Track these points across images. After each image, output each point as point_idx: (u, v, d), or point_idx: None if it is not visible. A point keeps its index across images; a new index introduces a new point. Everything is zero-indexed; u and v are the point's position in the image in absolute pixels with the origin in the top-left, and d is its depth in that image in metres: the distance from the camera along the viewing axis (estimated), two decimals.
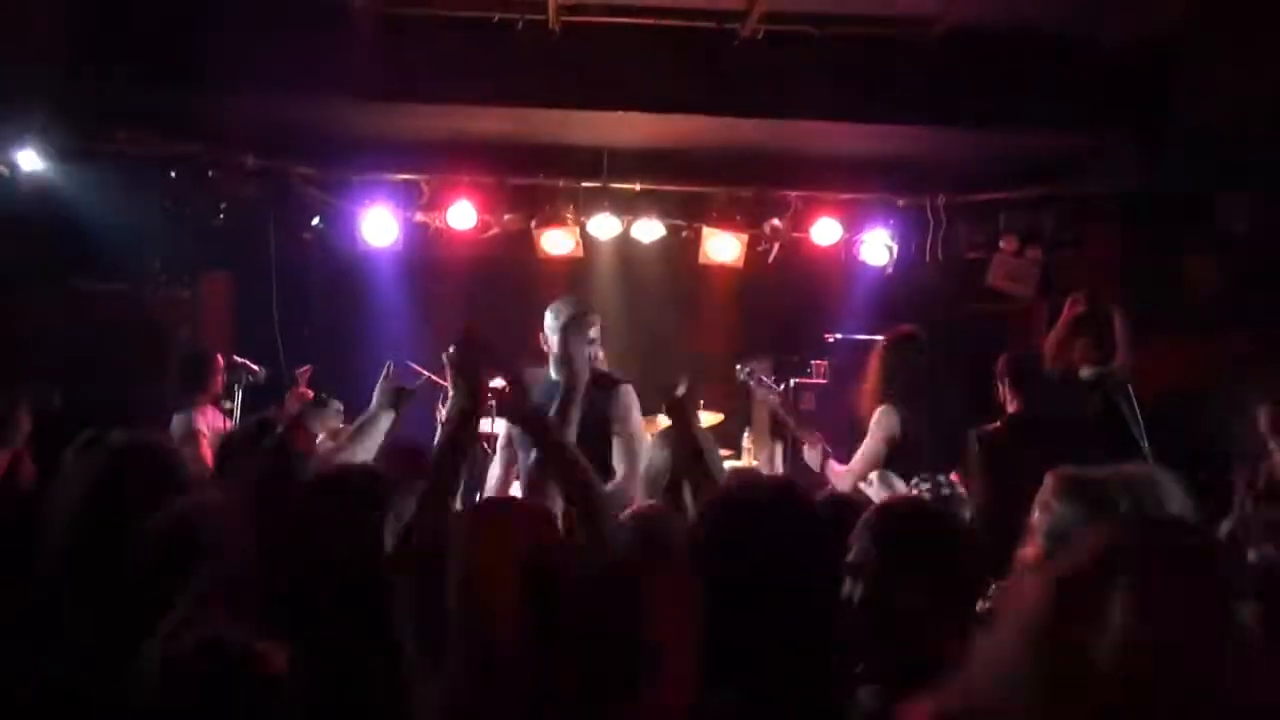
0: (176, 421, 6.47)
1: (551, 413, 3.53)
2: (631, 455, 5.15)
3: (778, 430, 7.90)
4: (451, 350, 3.59)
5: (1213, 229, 7.49)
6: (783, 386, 6.79)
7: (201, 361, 6.78)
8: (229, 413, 6.53)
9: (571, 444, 3.42)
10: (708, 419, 7.97)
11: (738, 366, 6.68)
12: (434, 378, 7.73)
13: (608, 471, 5.15)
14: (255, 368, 6.59)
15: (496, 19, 6.97)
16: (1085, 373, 6.20)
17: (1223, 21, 6.62)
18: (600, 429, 5.05)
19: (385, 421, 4.46)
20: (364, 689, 2.73)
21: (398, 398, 4.49)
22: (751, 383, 6.53)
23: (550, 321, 5.58)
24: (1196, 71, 7.08)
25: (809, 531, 2.74)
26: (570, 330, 4.71)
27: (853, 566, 2.69)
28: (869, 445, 6.07)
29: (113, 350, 7.53)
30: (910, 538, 2.76)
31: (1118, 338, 6.60)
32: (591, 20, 7.11)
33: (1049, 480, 3.35)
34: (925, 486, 4.68)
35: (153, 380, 7.29)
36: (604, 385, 5.27)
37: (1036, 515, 3.31)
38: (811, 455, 6.20)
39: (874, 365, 6.34)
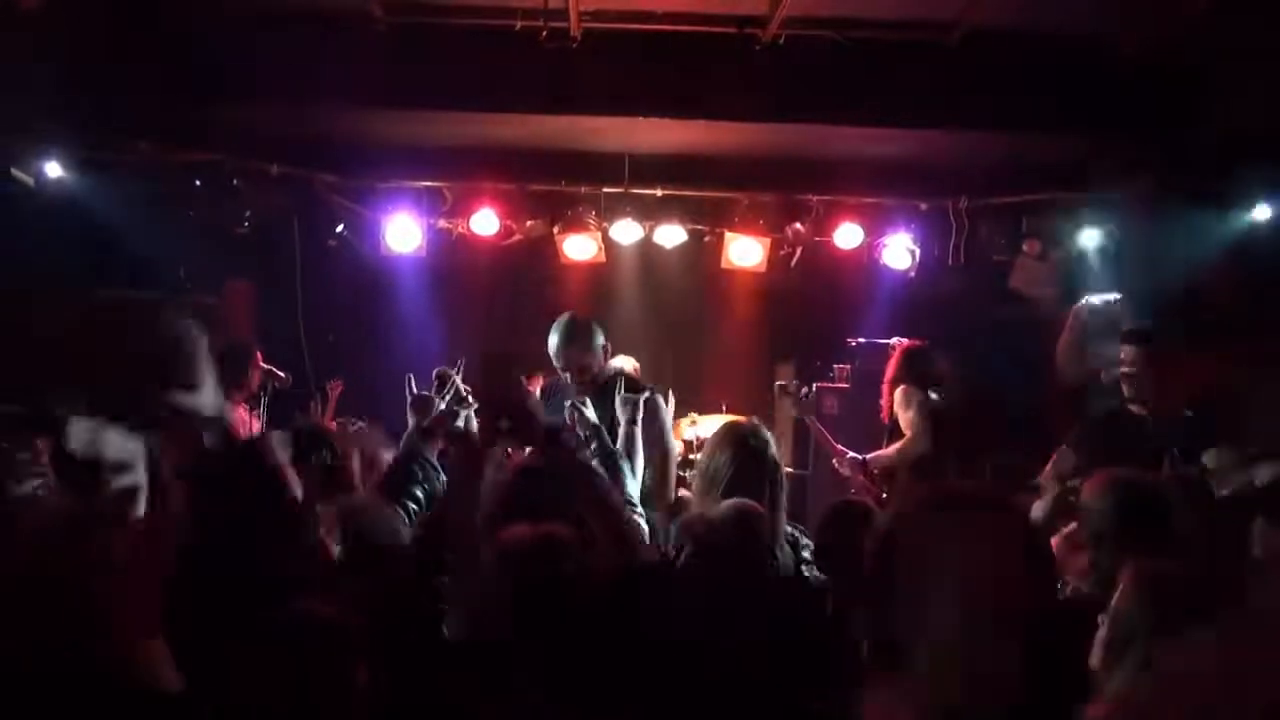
0: None
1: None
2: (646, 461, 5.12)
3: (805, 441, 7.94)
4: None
5: (1233, 233, 7.47)
6: (805, 392, 6.93)
7: (240, 357, 6.66)
8: (257, 418, 6.53)
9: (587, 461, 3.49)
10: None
11: (778, 383, 7.02)
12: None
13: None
14: (282, 374, 6.62)
15: (518, 26, 6.99)
16: (1106, 377, 6.18)
17: (1241, 26, 6.59)
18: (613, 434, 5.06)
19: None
20: None
21: (425, 405, 4.50)
22: (790, 399, 6.84)
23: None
24: (1216, 76, 7.05)
25: None
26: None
27: None
28: (912, 420, 6.33)
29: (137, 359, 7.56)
30: None
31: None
32: (612, 27, 7.13)
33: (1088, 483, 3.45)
34: None
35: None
36: (616, 390, 5.29)
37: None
38: (844, 467, 6.52)
39: (889, 374, 6.67)
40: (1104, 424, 5.76)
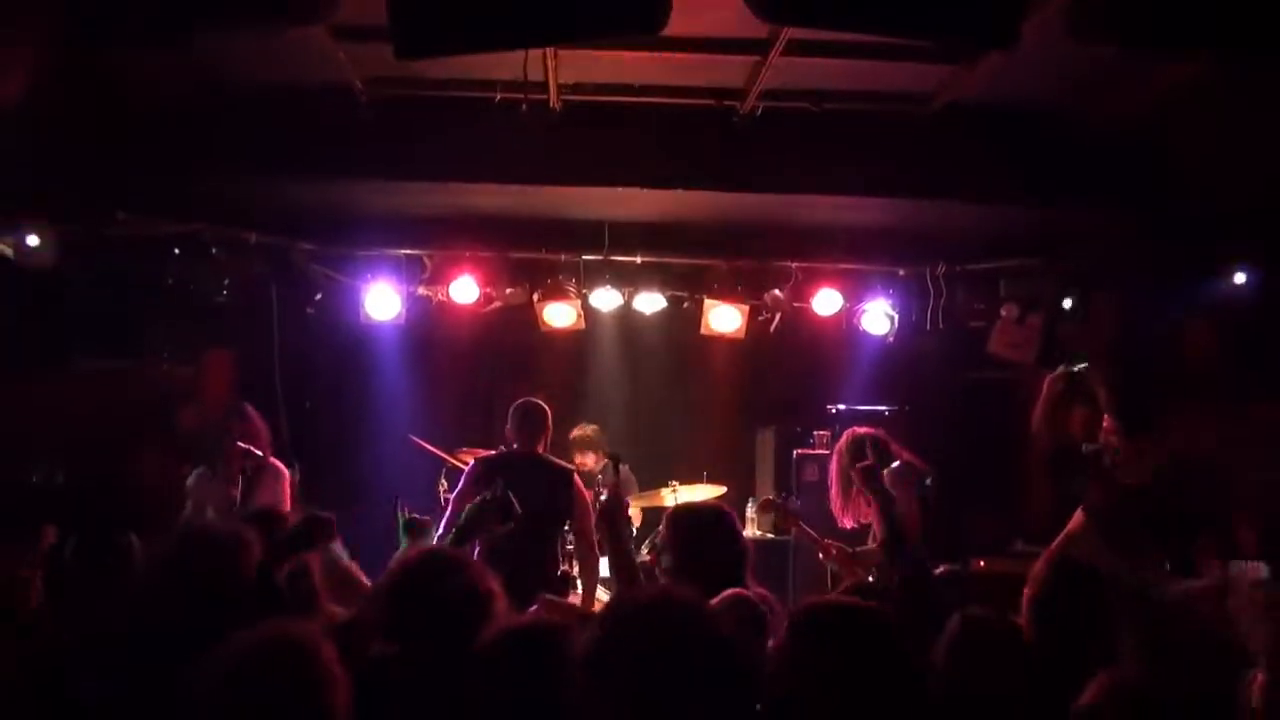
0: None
1: None
2: None
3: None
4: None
5: (1213, 298, 7.52)
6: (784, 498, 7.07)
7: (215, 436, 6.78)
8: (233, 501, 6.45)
9: None
10: (711, 491, 8.02)
11: (759, 500, 7.64)
12: (437, 451, 7.78)
13: None
14: (258, 452, 6.55)
15: (498, 99, 7.02)
16: (1088, 448, 6.17)
17: (1217, 95, 6.67)
18: None
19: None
20: None
21: (416, 528, 4.59)
22: (769, 515, 6.94)
23: None
24: (1193, 145, 7.12)
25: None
26: None
27: None
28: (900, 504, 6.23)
29: (116, 428, 7.57)
30: None
31: (1104, 413, 6.57)
32: (591, 99, 7.17)
33: None
34: None
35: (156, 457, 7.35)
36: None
37: None
38: (831, 562, 6.46)
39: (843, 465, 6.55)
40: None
